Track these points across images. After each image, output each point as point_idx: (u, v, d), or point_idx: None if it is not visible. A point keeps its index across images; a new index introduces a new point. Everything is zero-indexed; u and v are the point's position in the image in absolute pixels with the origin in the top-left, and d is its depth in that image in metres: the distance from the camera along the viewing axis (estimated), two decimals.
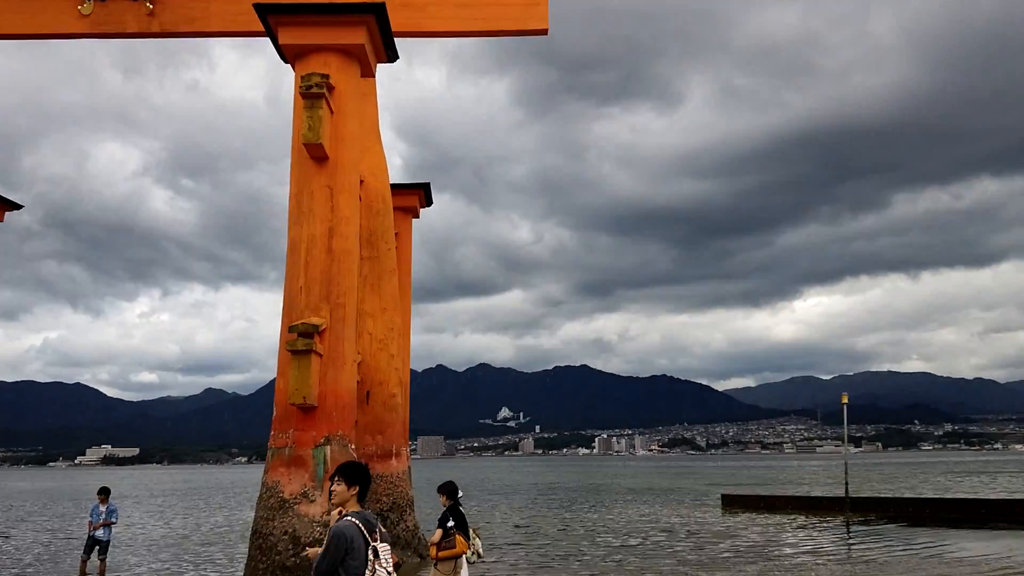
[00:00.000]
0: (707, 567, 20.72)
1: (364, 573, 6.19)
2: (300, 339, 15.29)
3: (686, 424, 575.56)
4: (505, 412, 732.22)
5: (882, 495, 45.98)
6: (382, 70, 19.35)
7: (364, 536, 6.25)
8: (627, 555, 23.55)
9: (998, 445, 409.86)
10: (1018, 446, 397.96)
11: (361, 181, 19.79)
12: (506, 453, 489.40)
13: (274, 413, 16.18)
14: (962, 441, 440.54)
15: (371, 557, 6.24)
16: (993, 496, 44.96)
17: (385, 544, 6.41)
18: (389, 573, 6.34)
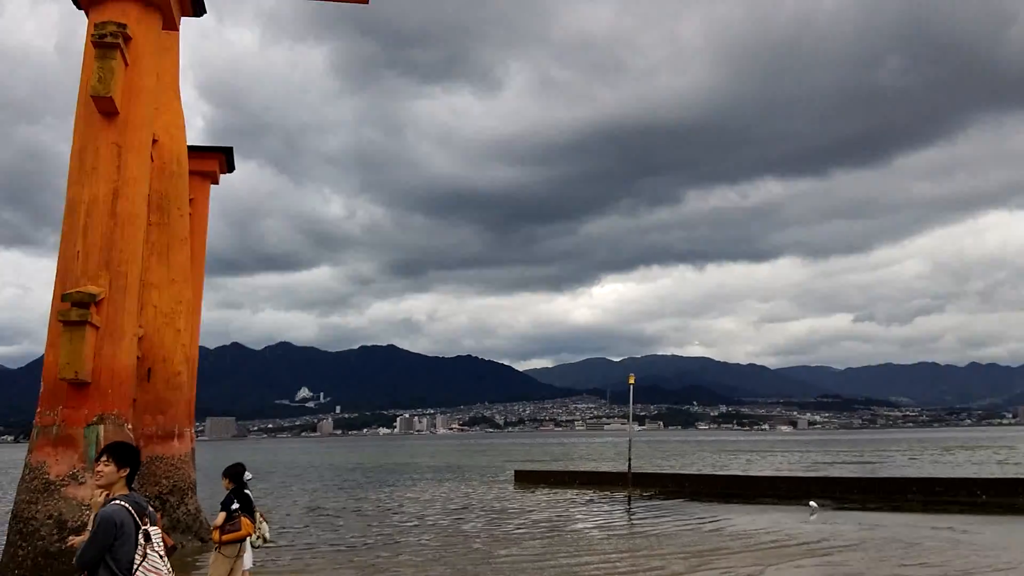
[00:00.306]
0: (500, 542, 21.25)
1: (134, 558, 5.82)
2: (74, 309, 14.12)
3: (487, 403, 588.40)
4: (304, 392, 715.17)
5: (662, 471, 49.19)
6: (188, 25, 18.19)
7: (135, 520, 5.86)
8: (422, 534, 23.70)
9: (765, 426, 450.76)
10: (784, 427, 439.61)
11: (155, 140, 18.50)
12: (303, 434, 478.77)
13: (41, 388, 14.87)
14: (735, 422, 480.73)
15: (142, 541, 5.87)
16: (762, 473, 49.26)
17: (156, 527, 6.04)
18: (161, 557, 5.99)
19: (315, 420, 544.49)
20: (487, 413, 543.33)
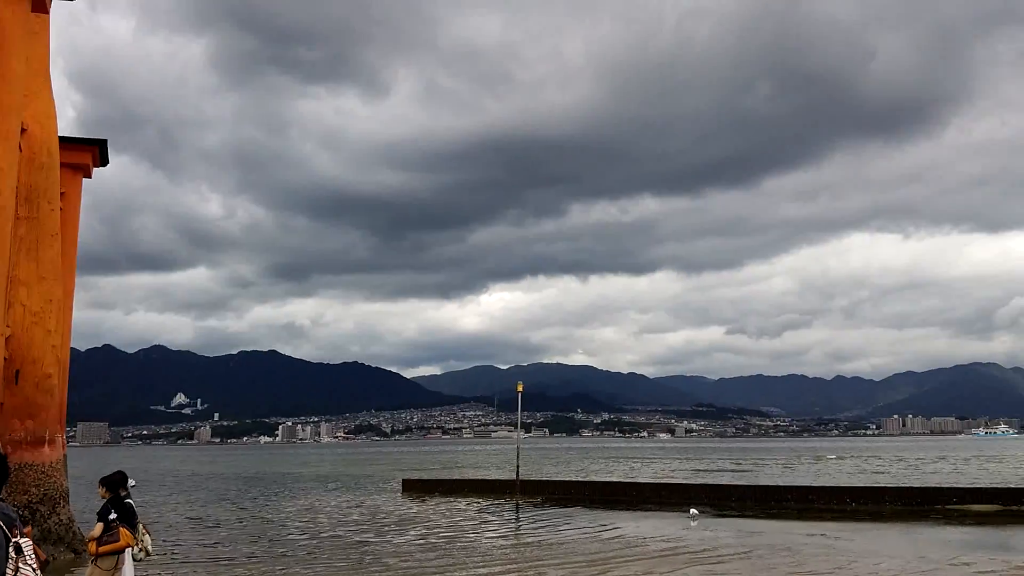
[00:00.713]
0: (390, 554, 20.87)
1: (5, 572, 5.39)
2: None
3: (373, 411, 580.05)
4: (180, 398, 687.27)
5: (549, 478, 49.62)
6: (59, 8, 17.13)
7: (4, 532, 5.42)
8: (307, 545, 23.05)
9: (644, 433, 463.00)
10: (662, 435, 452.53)
11: (23, 129, 17.33)
12: (180, 442, 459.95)
13: None
14: (616, 429, 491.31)
15: (13, 555, 5.44)
16: (645, 480, 50.35)
17: (28, 540, 5.59)
18: (34, 570, 5.55)
19: (192, 427, 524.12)
20: (373, 421, 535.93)
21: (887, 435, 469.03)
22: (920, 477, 52.02)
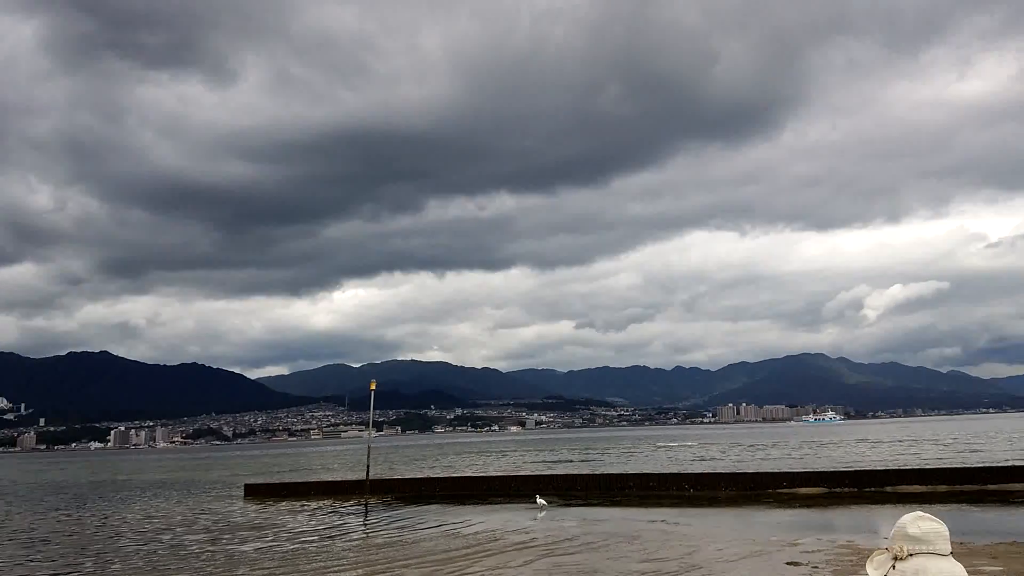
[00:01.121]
0: (232, 561, 19.89)
1: None
2: None
3: (214, 414, 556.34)
4: (2, 403, 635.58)
5: (400, 476, 49.12)
6: None
7: None
8: (143, 556, 21.63)
9: (495, 427, 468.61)
10: (513, 427, 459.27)
11: None
12: (0, 449, 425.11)
13: None
14: (469, 424, 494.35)
15: None
16: (492, 473, 50.68)
17: None
18: None
19: (15, 433, 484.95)
20: (214, 424, 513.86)
21: (722, 423, 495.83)
22: (754, 463, 55.03)
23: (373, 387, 37.71)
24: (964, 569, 3.37)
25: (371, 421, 39.41)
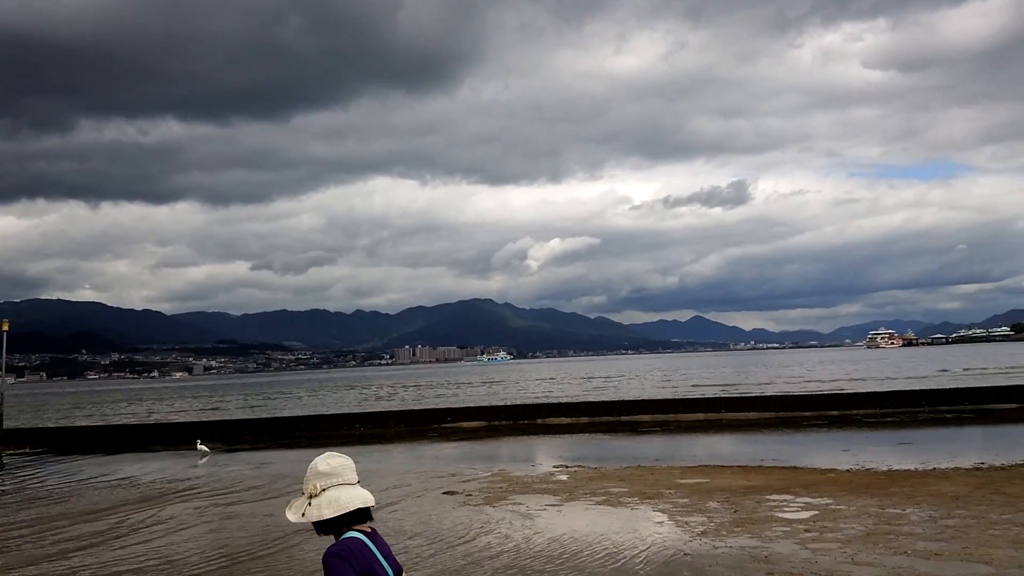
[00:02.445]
0: None
1: None
2: None
3: None
4: None
5: (43, 425, 44.37)
6: None
7: None
8: None
9: (155, 373, 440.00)
10: (179, 373, 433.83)
11: None
12: None
13: None
14: (128, 370, 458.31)
15: None
16: (150, 421, 47.76)
17: None
18: None
19: None
20: None
21: (399, 363, 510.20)
22: (431, 401, 57.27)
23: (6, 328, 33.36)
24: (370, 493, 3.66)
25: (2, 366, 34.71)
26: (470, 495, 16.15)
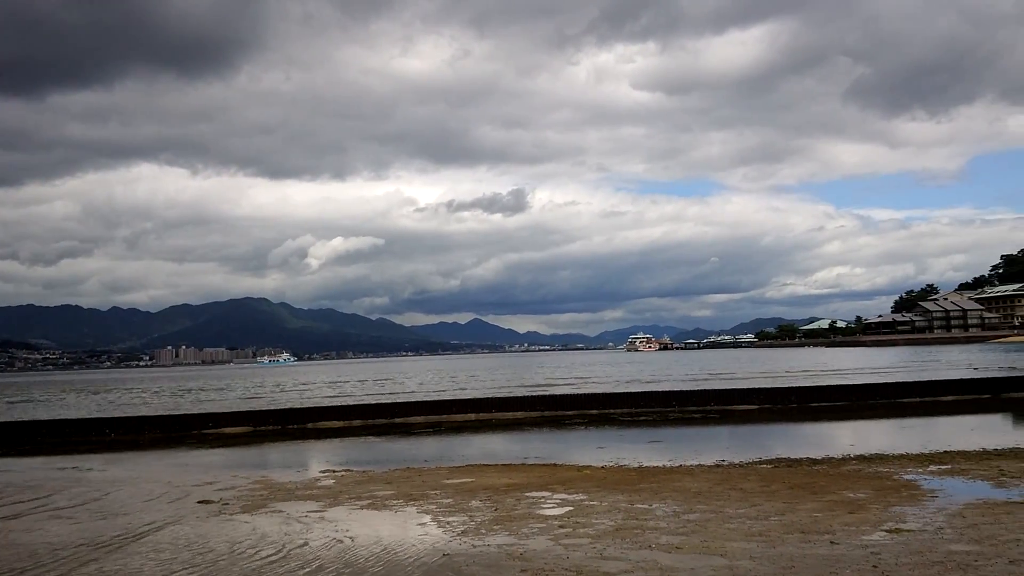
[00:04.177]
0: None
1: None
2: None
3: None
4: None
5: None
6: None
7: None
8: None
9: None
10: None
11: None
12: None
13: None
14: None
15: None
16: None
17: None
18: None
19: None
20: None
21: (160, 365, 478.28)
22: (189, 407, 53.99)
23: None
24: None
25: None
26: (227, 503, 15.34)
